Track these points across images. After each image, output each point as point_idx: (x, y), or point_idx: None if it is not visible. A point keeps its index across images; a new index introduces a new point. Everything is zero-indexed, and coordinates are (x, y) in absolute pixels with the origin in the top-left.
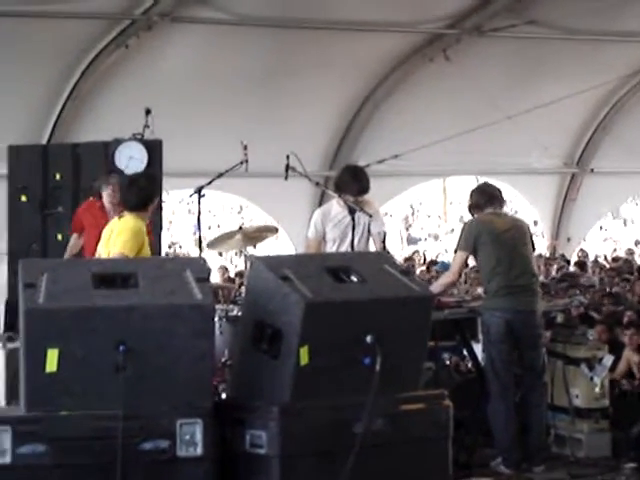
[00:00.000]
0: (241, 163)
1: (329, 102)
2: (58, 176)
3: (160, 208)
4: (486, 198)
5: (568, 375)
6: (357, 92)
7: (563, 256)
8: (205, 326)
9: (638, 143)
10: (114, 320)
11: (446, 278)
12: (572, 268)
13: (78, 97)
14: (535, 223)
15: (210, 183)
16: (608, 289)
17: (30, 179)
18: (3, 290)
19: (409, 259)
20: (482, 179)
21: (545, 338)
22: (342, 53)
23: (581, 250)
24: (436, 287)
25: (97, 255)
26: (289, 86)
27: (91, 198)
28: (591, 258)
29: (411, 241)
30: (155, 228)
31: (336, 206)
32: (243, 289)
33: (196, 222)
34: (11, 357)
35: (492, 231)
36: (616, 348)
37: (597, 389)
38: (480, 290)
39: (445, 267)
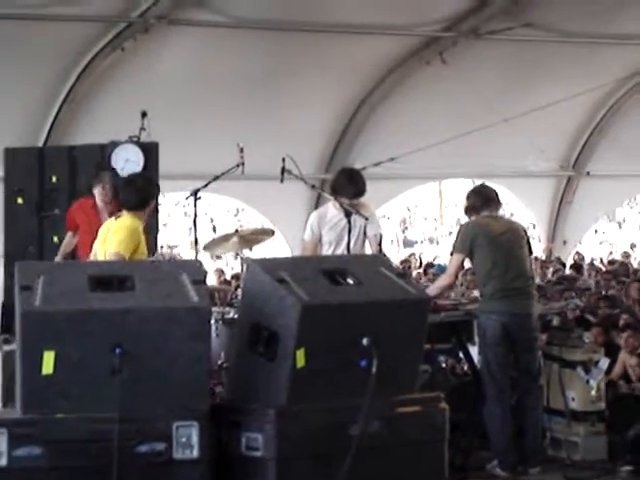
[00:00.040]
0: (237, 166)
1: (325, 105)
2: (54, 178)
3: (156, 210)
4: (482, 200)
5: (564, 378)
6: (353, 95)
7: (559, 259)
8: (201, 329)
9: (634, 146)
10: (110, 323)
11: (442, 281)
12: (568, 271)
13: (74, 100)
14: (533, 226)
15: (206, 186)
16: (604, 292)
17: (26, 181)
18: None
19: (405, 262)
20: (478, 182)
21: (541, 341)
22: (339, 56)
23: (577, 253)
24: (432, 290)
25: (93, 254)
26: (285, 89)
27: (82, 198)
28: (587, 261)
29: (407, 244)
30: (151, 230)
31: (332, 209)
32: (239, 292)
33: (192, 224)
34: (7, 359)
35: (488, 234)
36: (612, 351)
37: (593, 392)
38: (476, 293)
39: (442, 270)
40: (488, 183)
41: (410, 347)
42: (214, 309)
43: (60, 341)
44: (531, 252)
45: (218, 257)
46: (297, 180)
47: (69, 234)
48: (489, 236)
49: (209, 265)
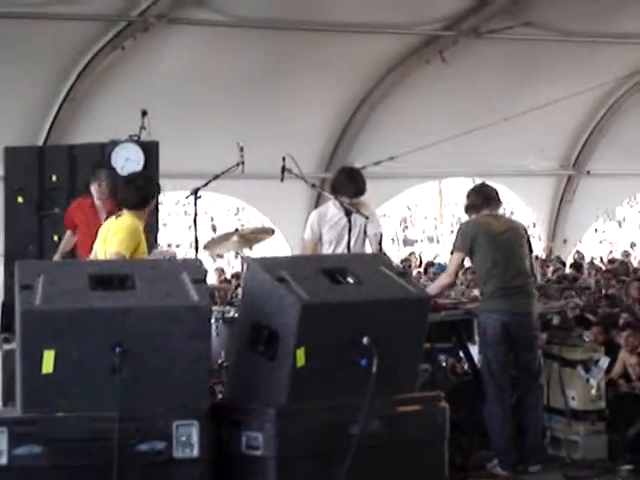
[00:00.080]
0: (237, 165)
1: (325, 104)
2: (54, 177)
3: (156, 210)
4: (483, 199)
5: (564, 377)
6: (353, 94)
7: (559, 258)
8: (201, 328)
9: (634, 145)
10: (110, 322)
11: (443, 280)
12: (568, 270)
13: (74, 99)
14: (534, 225)
15: (206, 185)
16: (604, 291)
17: (26, 180)
18: None
19: (405, 261)
20: (478, 181)
21: (541, 340)
22: (339, 55)
23: (577, 252)
24: (433, 289)
25: (93, 253)
26: (285, 88)
27: (80, 197)
28: (587, 260)
29: (407, 243)
30: (151, 230)
31: (332, 208)
32: (239, 291)
33: (192, 223)
34: (7, 358)
35: (489, 233)
36: (612, 350)
37: (593, 391)
38: (476, 292)
39: (442, 269)
40: (488, 182)
41: (410, 346)
42: (214, 308)
43: (60, 340)
44: (531, 251)
45: (219, 256)
46: (297, 179)
47: (68, 232)
48: (489, 235)
49: (209, 264)
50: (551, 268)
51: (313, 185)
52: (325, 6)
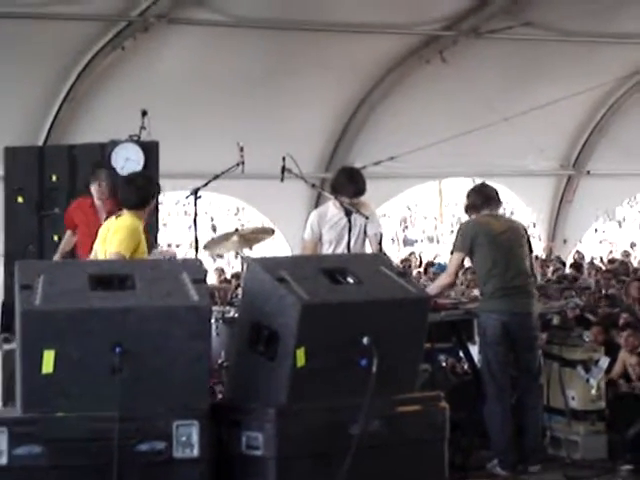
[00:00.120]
0: (237, 165)
1: (325, 104)
2: (54, 177)
3: (156, 210)
4: (483, 199)
5: (564, 377)
6: (353, 94)
7: (559, 258)
8: (201, 328)
9: (634, 145)
10: (110, 322)
11: (443, 280)
12: (568, 270)
13: (74, 99)
14: (534, 225)
15: (206, 185)
16: (604, 291)
17: (26, 180)
18: None
19: (405, 261)
20: (478, 181)
21: (541, 340)
22: (338, 55)
23: (577, 252)
24: (433, 289)
25: (93, 253)
26: (285, 88)
27: (80, 197)
28: (587, 260)
29: (407, 243)
30: (151, 230)
31: (332, 208)
32: (239, 291)
33: (192, 223)
34: (7, 358)
35: (489, 233)
36: (612, 350)
37: (593, 391)
38: (476, 292)
39: (442, 269)
40: (488, 182)
41: (410, 346)
42: (214, 308)
43: (60, 340)
44: (531, 251)
45: (219, 256)
46: (297, 179)
47: (68, 232)
48: (489, 235)
49: (209, 264)
50: (551, 268)
51: (313, 185)
52: (325, 6)
